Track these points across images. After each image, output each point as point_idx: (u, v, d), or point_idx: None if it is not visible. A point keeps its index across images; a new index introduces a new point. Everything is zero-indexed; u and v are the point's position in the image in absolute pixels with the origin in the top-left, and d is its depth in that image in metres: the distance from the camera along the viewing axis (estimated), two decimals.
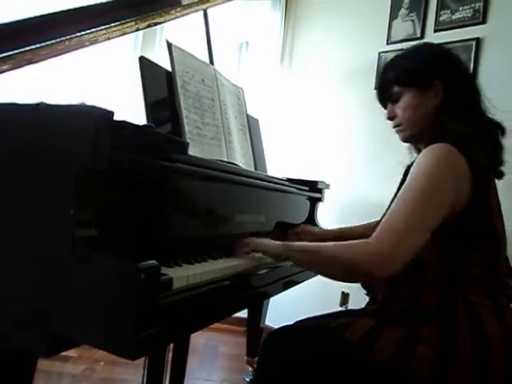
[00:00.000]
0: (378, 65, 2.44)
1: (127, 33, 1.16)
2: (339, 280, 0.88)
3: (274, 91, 2.80)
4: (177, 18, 1.32)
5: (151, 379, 1.29)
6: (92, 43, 1.08)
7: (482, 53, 2.07)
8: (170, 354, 1.38)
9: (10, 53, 0.91)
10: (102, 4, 1.08)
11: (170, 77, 1.11)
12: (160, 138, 0.79)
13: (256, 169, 1.46)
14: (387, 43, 2.43)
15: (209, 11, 1.47)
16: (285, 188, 1.39)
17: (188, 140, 1.06)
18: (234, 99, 1.42)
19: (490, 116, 0.96)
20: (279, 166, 2.42)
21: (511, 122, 1.02)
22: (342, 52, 2.67)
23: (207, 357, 2.30)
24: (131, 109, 1.58)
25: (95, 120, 0.61)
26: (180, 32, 2.04)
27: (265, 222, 1.25)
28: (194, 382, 1.94)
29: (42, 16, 0.95)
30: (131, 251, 0.65)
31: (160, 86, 1.08)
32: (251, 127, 1.51)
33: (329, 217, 1.83)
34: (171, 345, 1.38)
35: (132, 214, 0.74)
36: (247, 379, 1.92)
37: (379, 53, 2.45)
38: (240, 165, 1.29)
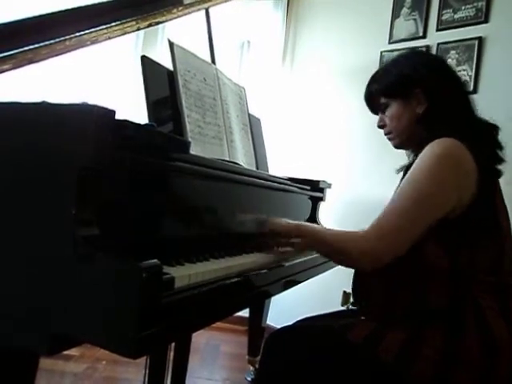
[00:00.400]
0: (380, 64, 2.44)
1: (128, 32, 1.16)
2: (337, 263, 0.99)
3: (275, 90, 2.80)
4: (179, 17, 1.32)
5: (153, 378, 1.30)
6: (93, 42, 1.08)
7: (484, 52, 2.07)
8: (172, 353, 1.38)
9: (11, 52, 0.91)
10: (103, 3, 1.08)
11: (171, 76, 1.11)
12: (162, 137, 0.79)
13: (258, 168, 1.45)
14: (389, 42, 2.43)
15: (210, 10, 1.47)
16: (286, 187, 1.39)
17: (189, 139, 1.05)
18: (236, 98, 1.42)
19: (481, 117, 0.96)
20: (281, 165, 2.42)
21: None
22: (343, 51, 2.66)
23: (209, 356, 2.30)
24: (133, 108, 1.58)
25: (97, 119, 0.61)
26: (182, 31, 2.05)
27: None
28: (195, 381, 1.94)
29: (42, 15, 0.95)
30: (133, 250, 0.65)
31: (162, 85, 1.08)
32: (253, 126, 1.51)
33: (330, 216, 1.82)
34: (173, 344, 1.38)
35: (133, 213, 0.74)
36: (248, 378, 1.92)
37: (381, 52, 2.44)
38: (242, 164, 1.29)
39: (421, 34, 2.30)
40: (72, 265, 0.58)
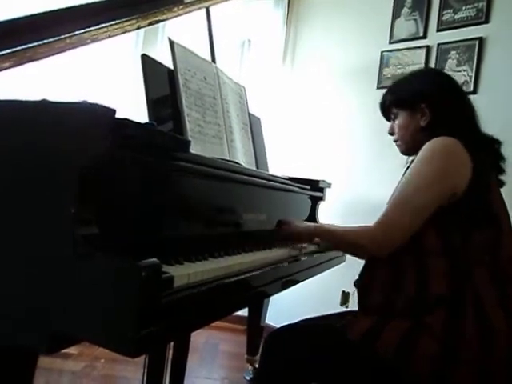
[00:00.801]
0: (380, 64, 2.44)
1: (128, 31, 1.16)
2: (353, 255, 1.09)
3: (275, 90, 2.79)
4: (179, 15, 1.32)
5: (151, 377, 1.30)
6: (93, 41, 1.08)
7: (484, 52, 2.06)
8: (171, 352, 1.38)
9: (11, 50, 0.91)
10: (103, 2, 1.08)
11: (171, 75, 1.11)
12: (162, 136, 0.79)
13: (257, 167, 1.45)
14: (390, 42, 2.43)
15: (211, 9, 1.47)
16: (286, 187, 1.39)
17: (189, 138, 1.05)
18: (236, 97, 1.42)
19: (485, 133, 1.04)
20: (281, 164, 2.42)
21: None
22: (344, 51, 2.66)
23: (207, 355, 2.30)
24: (133, 107, 1.58)
25: (97, 118, 0.61)
26: (182, 30, 2.04)
27: (266, 220, 1.25)
28: (194, 381, 1.94)
29: (42, 14, 0.95)
30: (132, 249, 0.65)
31: (162, 83, 1.08)
32: (253, 126, 1.51)
33: (330, 216, 1.82)
34: (172, 343, 1.38)
35: (133, 212, 0.74)
36: (247, 377, 1.92)
37: (381, 52, 2.44)
38: (241, 163, 1.29)
39: (421, 34, 2.30)
40: (71, 264, 0.58)
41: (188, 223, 0.92)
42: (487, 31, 2.06)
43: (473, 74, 2.07)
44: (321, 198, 1.66)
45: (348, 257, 1.68)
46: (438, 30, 2.24)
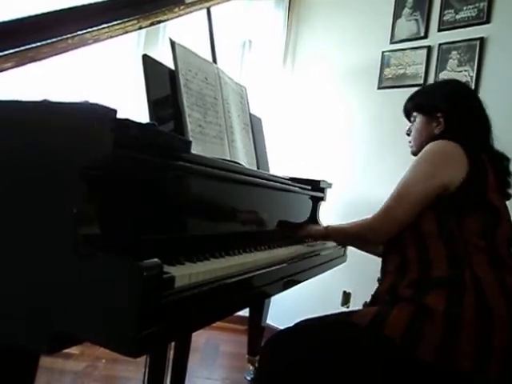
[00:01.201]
0: (381, 64, 2.44)
1: (130, 31, 1.16)
2: (360, 248, 1.38)
3: (276, 90, 2.80)
4: (180, 16, 1.32)
5: (152, 377, 1.30)
6: (95, 41, 1.08)
7: (485, 53, 2.06)
8: (172, 352, 1.38)
9: (13, 51, 0.91)
10: (104, 2, 1.08)
11: (172, 75, 1.11)
12: (163, 136, 0.79)
13: (258, 168, 1.45)
14: (391, 42, 2.42)
15: (212, 9, 1.47)
16: (287, 187, 1.39)
17: (190, 138, 1.05)
18: (237, 98, 1.42)
19: (497, 149, 1.11)
20: (282, 165, 2.42)
21: None
22: (345, 51, 2.66)
23: (208, 355, 2.30)
24: (134, 107, 1.58)
25: (98, 118, 0.61)
26: (183, 30, 2.04)
27: (267, 220, 1.25)
28: (194, 381, 1.94)
29: (44, 14, 0.95)
30: (133, 249, 0.65)
31: (163, 84, 1.08)
32: (254, 126, 1.51)
33: (331, 216, 1.82)
34: (172, 343, 1.38)
35: (134, 213, 0.74)
36: (248, 378, 1.92)
37: (382, 52, 2.44)
38: (242, 164, 1.29)
39: (422, 35, 2.30)
40: (73, 264, 0.58)
41: (189, 223, 0.92)
42: (488, 31, 2.06)
43: (474, 75, 2.07)
44: (322, 198, 1.66)
45: (349, 257, 1.68)
46: (439, 30, 2.24)
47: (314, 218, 1.63)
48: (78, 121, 0.62)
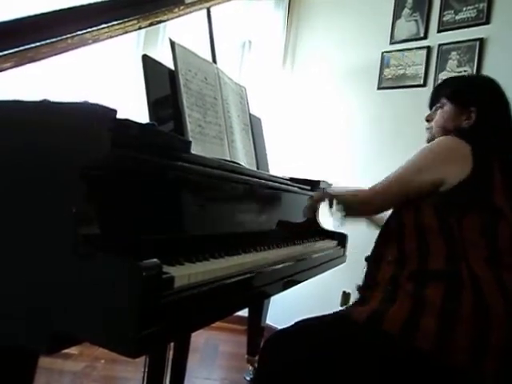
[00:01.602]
0: (380, 64, 2.44)
1: (129, 31, 1.16)
2: (359, 214, 1.33)
3: (276, 90, 2.80)
4: (180, 16, 1.32)
5: (152, 377, 1.30)
6: (94, 41, 1.08)
7: (485, 53, 2.07)
8: (171, 353, 1.38)
9: (13, 51, 0.91)
10: (104, 2, 1.08)
11: (172, 75, 1.11)
12: (162, 136, 0.79)
13: (258, 168, 1.45)
14: (390, 43, 2.43)
15: (212, 10, 1.47)
16: (287, 187, 1.39)
17: (190, 138, 1.05)
18: (237, 98, 1.42)
19: None
20: (281, 165, 2.42)
21: None
22: (344, 52, 2.66)
23: (208, 355, 2.30)
24: (134, 107, 1.58)
25: (98, 118, 0.61)
26: (183, 30, 2.04)
27: (266, 220, 1.25)
28: (194, 381, 1.94)
29: (44, 14, 0.95)
30: (133, 249, 0.65)
31: (163, 84, 1.08)
32: (253, 126, 1.51)
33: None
34: (172, 343, 1.38)
35: (134, 213, 0.74)
36: (247, 378, 1.92)
37: (382, 53, 2.44)
38: (242, 164, 1.29)
39: (422, 35, 2.30)
40: (72, 264, 0.58)
41: (189, 223, 0.92)
42: (488, 32, 2.07)
43: None
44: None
45: (348, 257, 1.68)
46: (439, 31, 2.24)
47: (314, 218, 1.63)
48: (78, 121, 0.62)
